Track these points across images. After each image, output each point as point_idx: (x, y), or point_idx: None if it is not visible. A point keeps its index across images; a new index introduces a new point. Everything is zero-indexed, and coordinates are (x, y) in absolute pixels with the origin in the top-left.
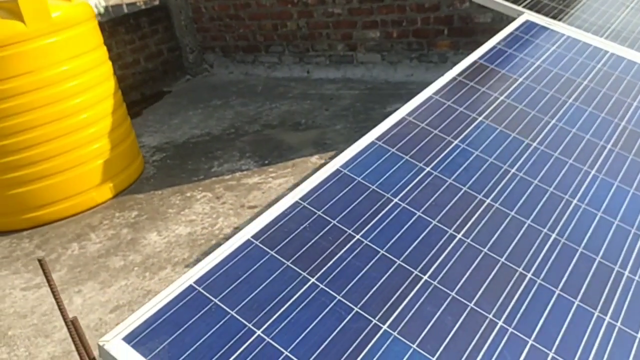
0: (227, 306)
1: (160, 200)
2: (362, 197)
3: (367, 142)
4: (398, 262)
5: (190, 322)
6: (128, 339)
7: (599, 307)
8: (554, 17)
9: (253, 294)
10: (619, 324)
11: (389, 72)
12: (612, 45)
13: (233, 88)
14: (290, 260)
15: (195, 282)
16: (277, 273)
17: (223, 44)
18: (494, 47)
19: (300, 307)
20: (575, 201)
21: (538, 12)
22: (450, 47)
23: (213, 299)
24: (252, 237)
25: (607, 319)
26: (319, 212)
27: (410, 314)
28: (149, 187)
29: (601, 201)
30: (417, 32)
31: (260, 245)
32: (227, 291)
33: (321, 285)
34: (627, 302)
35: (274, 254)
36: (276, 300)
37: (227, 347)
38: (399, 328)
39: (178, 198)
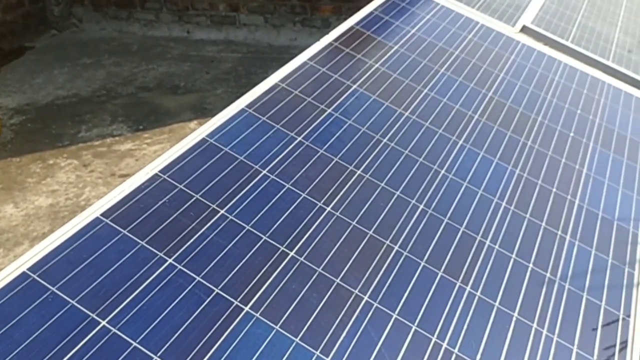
0: (67, 295)
1: (18, 168)
2: (229, 168)
3: (236, 109)
4: (264, 238)
5: (22, 315)
6: None
7: (460, 278)
8: None
9: (99, 280)
10: (478, 293)
11: (272, 35)
12: (482, 16)
13: (105, 46)
14: (145, 240)
15: (29, 269)
16: (129, 254)
17: None
18: (371, 13)
19: (154, 291)
20: (443, 171)
21: None
22: (333, 12)
23: (50, 287)
24: (102, 214)
25: (468, 289)
26: (181, 186)
27: (275, 293)
28: (5, 154)
29: (467, 171)
30: None
31: (111, 224)
32: (68, 277)
33: (179, 266)
34: (487, 272)
35: (127, 233)
36: (126, 286)
37: (64, 342)
38: (262, 309)
39: (39, 166)
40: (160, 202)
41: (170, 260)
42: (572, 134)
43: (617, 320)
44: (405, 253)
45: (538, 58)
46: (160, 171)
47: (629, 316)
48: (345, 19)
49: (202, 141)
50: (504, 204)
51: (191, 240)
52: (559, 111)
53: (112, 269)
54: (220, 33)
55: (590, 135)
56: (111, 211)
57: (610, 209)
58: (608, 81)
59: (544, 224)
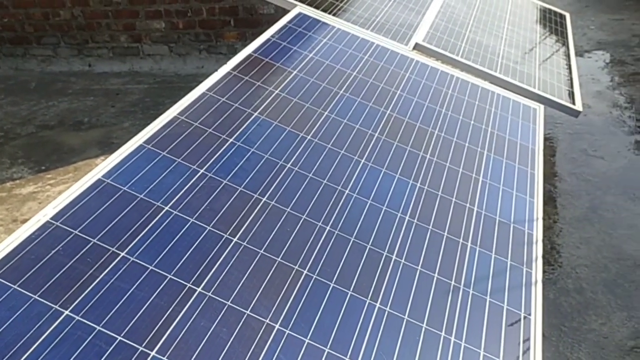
0: None
1: None
2: (129, 208)
3: (134, 146)
4: (169, 276)
5: None
6: None
7: (369, 295)
8: (325, 10)
9: None
10: (388, 308)
11: (179, 64)
12: (377, 37)
13: (0, 85)
14: (39, 293)
15: None
16: (21, 311)
17: None
18: (269, 40)
19: (51, 347)
20: (347, 191)
21: (310, 5)
22: (237, 38)
23: None
24: None
25: (378, 305)
26: (76, 231)
27: (182, 333)
28: None
29: (370, 189)
30: (204, 23)
31: (0, 280)
32: None
33: (77, 317)
34: (394, 286)
35: (17, 288)
36: (19, 344)
37: None
38: (169, 351)
39: None
40: (54, 251)
41: (66, 312)
42: (467, 144)
43: (520, 319)
44: (314, 276)
45: (431, 74)
46: (52, 218)
47: (530, 314)
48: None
49: (98, 182)
50: (407, 217)
51: (89, 288)
52: (454, 123)
53: (3, 328)
54: (124, 65)
55: (484, 144)
56: None
57: (506, 212)
58: (497, 91)
59: (446, 233)
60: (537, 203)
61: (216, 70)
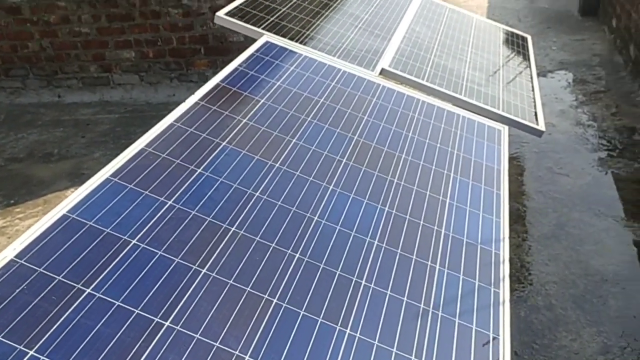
0: None
1: None
2: (95, 243)
3: (100, 180)
4: (137, 311)
5: None
6: None
7: (340, 321)
8: (292, 39)
9: None
10: (358, 334)
11: (150, 93)
12: (344, 63)
13: None
14: (3, 334)
15: None
16: None
17: None
18: (236, 69)
19: None
20: (316, 218)
21: (277, 33)
22: (208, 66)
23: None
24: None
25: (348, 331)
26: (41, 269)
27: None
28: None
29: (339, 215)
30: (174, 52)
31: None
32: None
33: (42, 357)
34: (364, 312)
35: None
36: None
37: None
38: None
39: None
40: (18, 290)
41: (31, 352)
42: (434, 167)
43: (489, 340)
44: (284, 305)
45: (398, 98)
46: (15, 257)
47: (498, 334)
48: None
49: (63, 217)
50: (376, 242)
51: (54, 327)
52: (421, 146)
53: None
54: (94, 95)
55: (450, 167)
56: None
57: (473, 234)
58: (462, 114)
59: (415, 256)
60: (503, 223)
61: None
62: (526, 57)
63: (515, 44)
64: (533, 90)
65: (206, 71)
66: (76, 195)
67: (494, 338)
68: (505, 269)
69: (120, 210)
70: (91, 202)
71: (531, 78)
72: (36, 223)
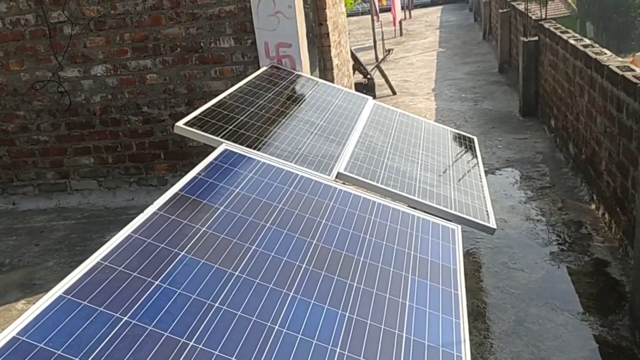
0: None
1: None
2: None
3: (52, 298)
4: None
5: None
6: None
7: None
8: (250, 146)
9: None
10: None
11: (108, 197)
12: (301, 168)
13: None
14: None
15: None
16: None
17: None
18: (195, 177)
19: None
20: (277, 327)
21: (236, 141)
22: (168, 170)
23: None
24: None
25: None
26: None
27: None
28: None
29: (300, 323)
30: (134, 157)
31: None
32: None
33: None
34: None
35: None
36: None
37: None
38: None
39: None
40: None
41: None
42: (392, 269)
43: None
44: None
45: (354, 201)
46: None
47: None
48: (181, 176)
49: (12, 341)
50: (338, 350)
51: None
52: (378, 249)
53: None
54: (51, 201)
55: (408, 268)
56: None
57: (434, 336)
58: (417, 215)
59: None
60: (463, 324)
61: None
62: (474, 156)
63: (463, 144)
64: (482, 188)
65: (166, 175)
66: (27, 316)
67: None
68: None
69: (72, 330)
70: (42, 322)
71: (480, 177)
72: None
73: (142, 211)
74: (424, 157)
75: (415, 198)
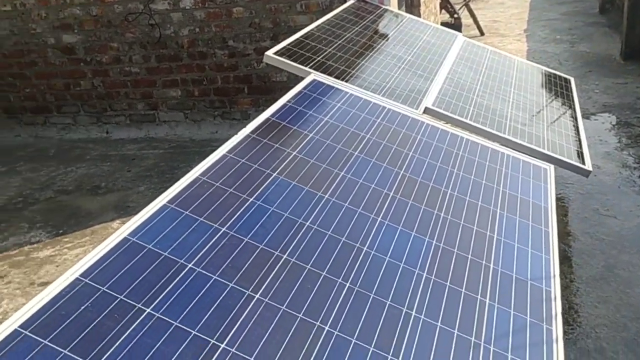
0: None
1: None
2: (153, 266)
3: (158, 205)
4: (193, 332)
5: None
6: None
7: (391, 351)
8: (337, 77)
9: None
10: None
11: (193, 129)
12: (388, 101)
13: (20, 152)
14: (68, 348)
15: None
16: None
17: (6, 105)
18: (285, 104)
19: None
20: (365, 248)
21: (324, 72)
22: (251, 104)
23: None
24: (21, 326)
25: None
26: (104, 288)
27: None
28: None
29: (388, 246)
30: (218, 91)
31: (31, 335)
32: None
33: None
34: (415, 342)
35: (48, 343)
36: None
37: None
38: None
39: None
40: (83, 307)
41: None
42: (480, 203)
43: None
44: (335, 332)
45: (442, 136)
46: (81, 275)
47: None
48: (263, 111)
49: (124, 241)
50: (425, 274)
51: (117, 343)
52: (466, 183)
53: None
54: (140, 131)
55: (496, 203)
56: (30, 322)
57: (522, 270)
58: (507, 152)
59: (464, 290)
60: (553, 260)
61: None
62: (569, 98)
63: (558, 85)
64: (577, 130)
65: (249, 109)
66: (136, 220)
67: None
68: (557, 306)
69: (176, 235)
70: (150, 226)
71: (575, 119)
72: (100, 245)
73: (224, 143)
74: (515, 95)
75: (506, 136)
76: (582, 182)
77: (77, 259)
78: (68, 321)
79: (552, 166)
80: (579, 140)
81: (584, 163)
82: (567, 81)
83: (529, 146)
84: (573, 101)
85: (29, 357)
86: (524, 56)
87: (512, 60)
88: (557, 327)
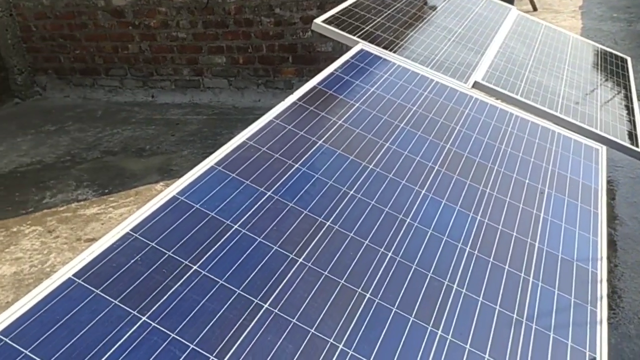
0: (40, 357)
1: None
2: (201, 225)
3: (206, 167)
4: (238, 291)
5: None
6: None
7: (431, 322)
8: (385, 48)
9: (72, 341)
10: (449, 336)
11: (236, 97)
12: (436, 74)
13: (69, 113)
14: (119, 299)
15: (0, 333)
16: (102, 314)
17: (57, 66)
18: (332, 73)
19: (128, 350)
20: (408, 220)
21: (372, 42)
22: (295, 74)
23: (24, 350)
24: (75, 275)
25: (439, 332)
26: (153, 244)
27: (251, 345)
28: None
29: (431, 219)
30: (263, 59)
31: (84, 284)
32: (41, 340)
33: (153, 324)
34: (456, 315)
35: (100, 293)
36: (100, 345)
37: None
38: None
39: (2, 234)
40: (133, 261)
41: (144, 318)
42: (527, 181)
43: (584, 358)
44: (377, 300)
45: (490, 111)
46: (131, 230)
47: (594, 353)
48: (306, 81)
49: (173, 199)
50: (467, 249)
51: (165, 297)
52: (514, 160)
53: (86, 329)
54: (185, 96)
55: (544, 181)
56: (83, 271)
57: (569, 250)
58: (558, 130)
59: (507, 266)
60: (601, 242)
61: (272, 103)
62: (625, 78)
63: (614, 64)
64: (631, 111)
65: (292, 79)
66: (185, 180)
67: (589, 356)
68: (603, 289)
69: (223, 197)
70: (198, 187)
71: (630, 100)
72: (149, 202)
73: (267, 112)
74: (569, 73)
75: (557, 114)
76: (633, 165)
77: (121, 218)
78: (119, 273)
79: (604, 147)
80: (633, 122)
81: (637, 146)
82: (623, 60)
83: (581, 125)
84: (629, 81)
85: (82, 304)
86: (579, 34)
87: (567, 36)
88: (602, 310)
